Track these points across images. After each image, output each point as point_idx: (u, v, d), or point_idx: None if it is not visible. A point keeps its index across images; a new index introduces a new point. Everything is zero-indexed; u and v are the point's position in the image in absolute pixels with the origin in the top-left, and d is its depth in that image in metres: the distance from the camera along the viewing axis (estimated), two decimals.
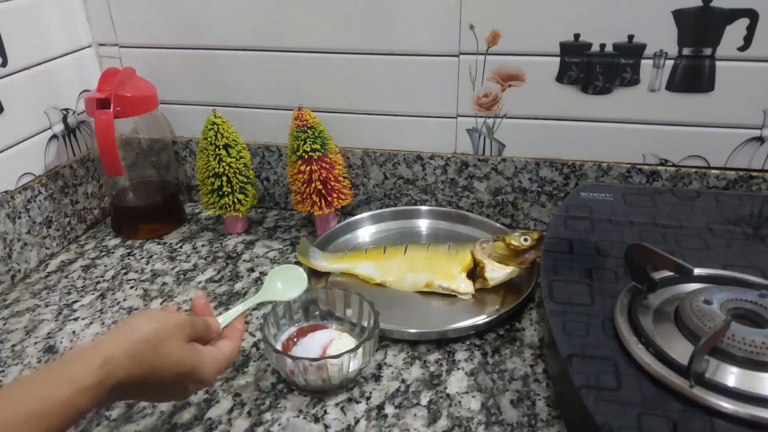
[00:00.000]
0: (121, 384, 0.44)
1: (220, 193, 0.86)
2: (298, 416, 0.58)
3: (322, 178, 0.82)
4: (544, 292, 0.60)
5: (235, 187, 0.86)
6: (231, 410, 0.59)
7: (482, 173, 0.86)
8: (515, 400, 0.59)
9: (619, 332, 0.53)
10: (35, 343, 0.70)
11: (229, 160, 0.84)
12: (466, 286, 0.73)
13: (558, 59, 0.77)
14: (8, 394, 0.40)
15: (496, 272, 0.73)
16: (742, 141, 0.77)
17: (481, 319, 0.67)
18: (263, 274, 0.80)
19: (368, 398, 0.60)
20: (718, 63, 0.73)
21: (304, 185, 0.83)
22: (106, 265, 0.84)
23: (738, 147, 0.77)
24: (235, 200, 0.86)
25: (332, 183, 0.83)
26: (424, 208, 0.89)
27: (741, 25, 0.70)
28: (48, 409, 0.40)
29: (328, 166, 0.83)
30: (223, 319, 0.59)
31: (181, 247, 0.88)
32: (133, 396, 0.49)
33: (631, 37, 0.74)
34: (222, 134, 0.84)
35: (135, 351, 0.46)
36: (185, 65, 0.90)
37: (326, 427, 0.57)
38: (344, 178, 0.86)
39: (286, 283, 0.66)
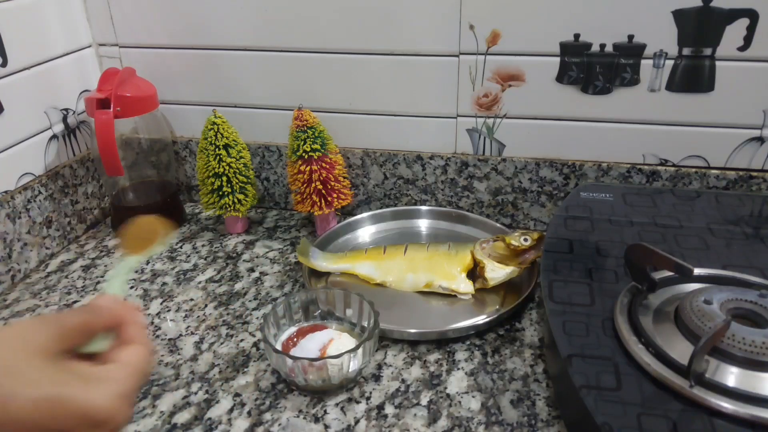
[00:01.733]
0: None
1: (220, 193, 0.86)
2: (298, 416, 0.58)
3: (322, 178, 0.82)
4: (544, 292, 0.60)
5: (235, 187, 0.86)
6: (231, 410, 0.59)
7: (482, 173, 0.86)
8: (515, 400, 0.59)
9: (619, 332, 0.53)
10: None
11: (229, 160, 0.84)
12: (466, 286, 0.73)
13: (558, 59, 0.77)
14: None
15: (496, 272, 0.73)
16: (742, 141, 0.77)
17: (481, 319, 0.68)
18: (263, 274, 0.80)
19: (368, 398, 0.60)
20: (718, 63, 0.73)
21: (304, 185, 0.83)
22: (106, 265, 0.84)
23: (738, 147, 0.77)
24: (235, 200, 0.86)
25: (332, 183, 0.83)
26: (424, 208, 0.89)
27: (741, 25, 0.70)
28: None
29: (328, 166, 0.83)
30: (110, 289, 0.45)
31: (181, 247, 0.88)
32: None
33: (631, 37, 0.74)
34: (222, 134, 0.84)
35: None
36: (185, 65, 0.90)
37: (326, 427, 0.57)
38: (344, 178, 0.86)
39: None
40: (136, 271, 0.82)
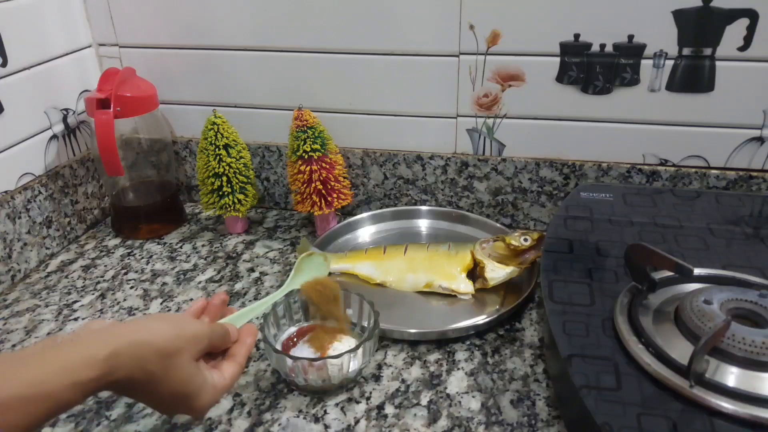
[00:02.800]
0: (117, 382, 0.42)
1: (220, 193, 0.86)
2: (298, 416, 0.58)
3: (322, 178, 0.82)
4: (544, 292, 0.60)
5: (235, 187, 0.86)
6: (231, 410, 0.59)
7: (482, 173, 0.86)
8: (515, 400, 0.59)
9: (619, 332, 0.53)
10: (35, 343, 0.70)
11: (229, 160, 0.84)
12: (466, 286, 0.73)
13: (558, 59, 0.77)
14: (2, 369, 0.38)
15: (496, 272, 0.73)
16: (742, 141, 0.77)
17: (481, 319, 0.67)
18: (263, 274, 0.80)
19: (368, 398, 0.60)
20: (718, 63, 0.73)
21: (304, 185, 0.83)
22: (106, 265, 0.84)
23: (738, 147, 0.77)
24: (235, 200, 0.86)
25: (332, 183, 0.83)
26: (424, 208, 0.89)
27: (741, 25, 0.70)
28: (33, 395, 0.37)
29: (328, 166, 0.83)
30: (239, 317, 0.57)
31: (181, 247, 0.88)
32: (124, 393, 0.46)
33: (631, 37, 0.74)
34: (222, 134, 0.84)
35: (142, 355, 0.43)
36: (185, 65, 0.90)
37: (326, 427, 0.57)
38: (344, 178, 0.86)
39: (310, 272, 0.69)
40: (136, 272, 0.82)
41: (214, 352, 0.52)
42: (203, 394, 0.48)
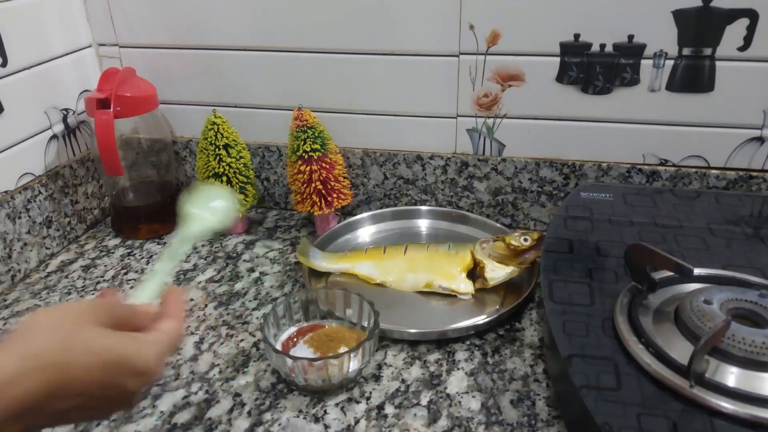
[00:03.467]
0: (28, 406, 0.34)
1: None
2: (298, 416, 0.58)
3: (322, 178, 0.82)
4: (544, 292, 0.60)
5: (235, 187, 0.86)
6: (231, 410, 0.59)
7: (482, 173, 0.86)
8: (515, 400, 0.59)
9: (619, 332, 0.53)
10: None
11: (229, 160, 0.84)
12: (466, 286, 0.73)
13: (558, 59, 0.77)
14: None
15: (496, 272, 0.73)
16: (742, 141, 0.77)
17: (481, 319, 0.67)
18: (263, 274, 0.80)
19: (368, 398, 0.60)
20: (718, 63, 0.73)
21: (304, 185, 0.83)
22: (106, 265, 0.84)
23: (738, 147, 0.77)
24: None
25: (332, 183, 0.83)
26: (424, 208, 0.89)
27: (741, 25, 0.70)
28: None
29: (328, 166, 0.83)
30: (146, 292, 0.49)
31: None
32: (60, 417, 0.38)
33: (631, 37, 0.74)
34: (222, 134, 0.84)
35: (28, 354, 0.35)
36: (185, 65, 0.90)
37: (326, 427, 0.57)
38: (344, 178, 0.86)
39: (206, 209, 0.56)
40: (136, 272, 0.82)
41: (131, 329, 0.43)
42: (141, 352, 0.40)
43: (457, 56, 0.80)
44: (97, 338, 0.38)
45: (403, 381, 0.62)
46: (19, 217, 0.80)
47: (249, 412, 0.59)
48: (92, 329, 0.39)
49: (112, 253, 0.87)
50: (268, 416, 0.58)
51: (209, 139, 0.84)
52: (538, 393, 0.60)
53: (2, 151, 0.79)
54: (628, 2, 0.72)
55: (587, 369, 0.50)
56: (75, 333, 0.38)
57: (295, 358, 0.58)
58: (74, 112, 0.90)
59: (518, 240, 0.73)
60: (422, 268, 0.75)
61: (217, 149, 0.84)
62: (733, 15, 0.70)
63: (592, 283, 0.61)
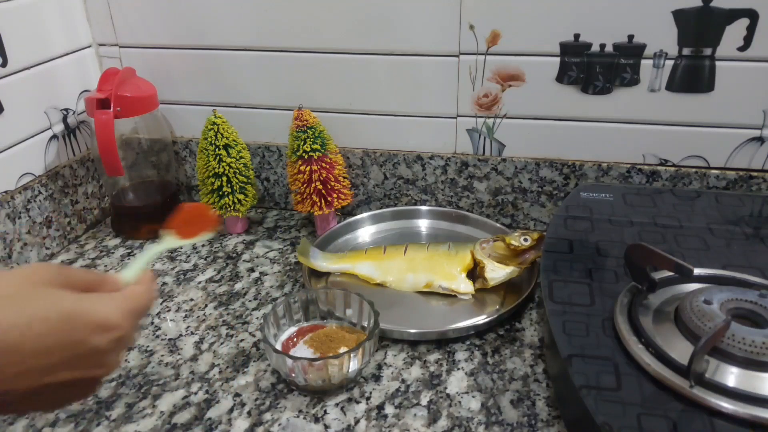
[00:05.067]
0: None
1: (220, 193, 0.86)
2: (298, 416, 0.58)
3: (322, 178, 0.82)
4: (544, 292, 0.60)
5: (235, 187, 0.86)
6: (231, 410, 0.59)
7: (482, 173, 0.86)
8: (515, 400, 0.59)
9: (619, 332, 0.53)
10: None
11: (229, 160, 0.84)
12: (466, 286, 0.73)
13: (558, 59, 0.77)
14: None
15: (496, 272, 0.73)
16: (742, 141, 0.77)
17: (481, 319, 0.68)
18: (263, 274, 0.80)
19: (368, 398, 0.60)
20: (718, 63, 0.73)
21: (304, 185, 0.83)
22: (106, 265, 0.84)
23: (738, 147, 0.77)
24: (235, 200, 0.86)
25: (332, 183, 0.83)
26: (424, 208, 0.89)
27: (741, 25, 0.70)
28: None
29: (328, 166, 0.83)
30: (126, 273, 0.47)
31: (181, 247, 0.88)
32: (10, 395, 0.35)
33: (631, 37, 0.74)
34: (222, 134, 0.84)
35: None
36: (185, 65, 0.90)
37: (326, 427, 0.57)
38: (344, 178, 0.86)
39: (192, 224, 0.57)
40: None
41: (89, 287, 0.41)
42: (97, 305, 0.38)
43: (457, 56, 0.80)
44: (49, 295, 0.36)
45: (403, 381, 0.62)
46: (19, 217, 0.80)
47: (249, 412, 0.59)
48: (43, 287, 0.36)
49: (112, 253, 0.87)
50: (268, 416, 0.58)
51: (209, 139, 0.84)
52: (538, 393, 0.60)
53: (2, 151, 0.79)
54: (628, 2, 0.72)
55: (587, 369, 0.50)
56: (24, 292, 0.35)
57: (295, 358, 0.58)
58: (74, 112, 0.90)
59: (518, 240, 0.73)
60: (422, 268, 0.75)
61: (217, 149, 0.84)
62: (733, 15, 0.70)
63: (592, 283, 0.61)
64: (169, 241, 0.55)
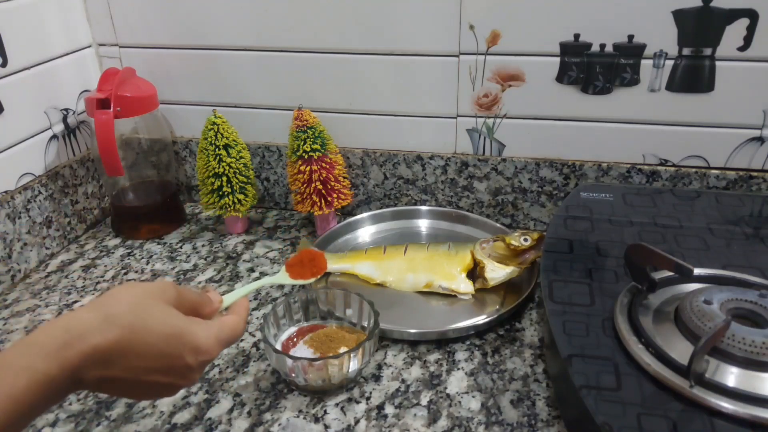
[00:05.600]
0: (97, 348, 0.38)
1: (220, 193, 0.86)
2: (298, 416, 0.58)
3: (322, 178, 0.82)
4: (544, 292, 0.60)
5: (235, 187, 0.86)
6: (231, 410, 0.59)
7: (482, 173, 0.86)
8: (515, 400, 0.59)
9: (619, 332, 0.53)
10: None
11: (229, 160, 0.84)
12: (466, 286, 0.73)
13: (558, 59, 0.77)
14: None
15: (496, 272, 0.73)
16: (742, 141, 0.77)
17: (481, 319, 0.68)
18: (263, 274, 0.80)
19: (368, 398, 0.60)
20: (718, 63, 0.73)
21: (304, 185, 0.83)
22: (106, 265, 0.84)
23: (738, 147, 0.77)
24: (235, 200, 0.86)
25: (332, 183, 0.83)
26: (424, 208, 0.89)
27: (741, 25, 0.70)
28: (7, 374, 0.36)
29: (328, 166, 0.83)
30: (228, 297, 0.54)
31: (181, 247, 0.88)
32: (121, 370, 0.41)
33: (631, 37, 0.74)
34: (222, 134, 0.84)
35: (110, 312, 0.40)
36: (185, 65, 0.90)
37: (326, 427, 0.57)
38: (344, 178, 0.86)
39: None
40: (136, 272, 0.82)
41: (197, 314, 0.48)
42: (199, 330, 0.45)
43: (457, 56, 0.80)
44: (164, 313, 0.43)
45: (403, 381, 0.62)
46: (19, 217, 0.80)
47: (249, 412, 0.59)
48: (162, 305, 0.44)
49: (112, 253, 0.87)
50: (268, 416, 0.58)
51: (209, 139, 0.84)
52: (538, 393, 0.60)
53: (2, 151, 0.79)
54: (628, 2, 0.72)
55: (587, 369, 0.50)
56: (147, 305, 0.43)
57: (295, 358, 0.58)
58: (74, 112, 0.90)
59: (518, 240, 0.73)
60: (422, 268, 0.75)
61: (217, 149, 0.84)
62: (733, 15, 0.70)
63: (592, 283, 0.61)
64: (281, 276, 0.63)
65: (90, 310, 0.41)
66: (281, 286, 0.78)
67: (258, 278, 0.79)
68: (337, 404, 0.59)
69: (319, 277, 0.66)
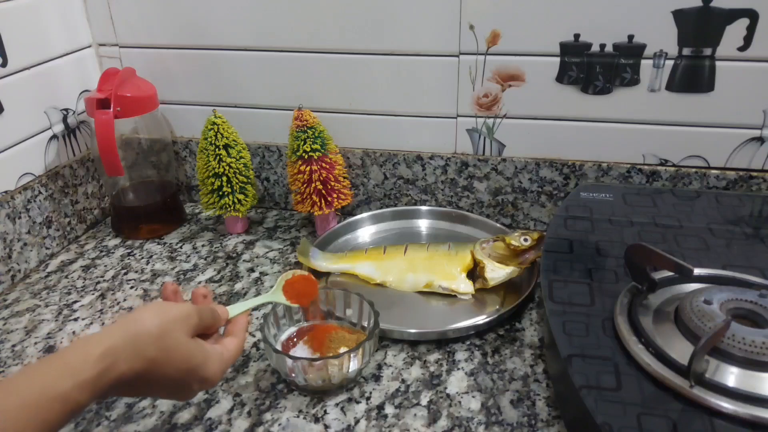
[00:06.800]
0: (122, 377, 0.43)
1: (220, 193, 0.86)
2: (298, 416, 0.58)
3: (322, 178, 0.82)
4: (544, 292, 0.60)
5: (235, 187, 0.86)
6: (231, 410, 0.59)
7: (482, 173, 0.86)
8: (515, 400, 0.59)
9: (619, 332, 0.53)
10: (35, 343, 0.70)
11: (229, 160, 0.84)
12: (466, 286, 0.73)
13: (558, 59, 0.77)
14: (5, 383, 0.39)
15: (496, 272, 0.73)
16: (742, 141, 0.77)
17: (481, 319, 0.68)
18: (263, 274, 0.80)
19: (368, 398, 0.60)
20: (718, 63, 0.73)
21: (304, 185, 0.83)
22: (106, 265, 0.84)
23: (738, 147, 0.77)
24: (235, 200, 0.86)
25: (332, 183, 0.83)
26: (424, 208, 0.89)
27: (741, 25, 0.70)
28: (43, 401, 0.39)
29: (328, 166, 0.83)
30: (232, 309, 0.57)
31: (181, 247, 0.88)
32: (135, 391, 0.47)
33: (631, 37, 0.74)
34: (222, 134, 0.84)
35: (137, 343, 0.44)
36: (185, 65, 0.90)
37: (326, 427, 0.57)
38: (344, 178, 0.86)
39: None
40: (136, 272, 0.82)
41: (207, 332, 0.53)
42: (210, 363, 0.49)
43: (457, 56, 0.80)
44: (185, 347, 0.47)
45: (403, 381, 0.62)
46: (19, 217, 0.80)
47: (249, 412, 0.59)
48: (184, 338, 0.48)
49: (112, 253, 0.87)
50: (268, 416, 0.58)
51: (209, 139, 0.84)
52: (538, 393, 0.60)
53: (2, 151, 0.79)
54: (628, 2, 0.72)
55: (587, 369, 0.50)
56: (171, 338, 0.46)
57: (295, 358, 0.58)
58: (74, 112, 0.90)
59: (518, 240, 0.73)
60: (422, 268, 0.75)
61: (217, 149, 0.84)
62: (733, 15, 0.70)
63: (592, 283, 0.61)
64: (277, 295, 0.63)
65: (121, 334, 0.44)
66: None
67: (258, 279, 0.79)
68: (337, 404, 0.59)
69: (308, 303, 0.66)
